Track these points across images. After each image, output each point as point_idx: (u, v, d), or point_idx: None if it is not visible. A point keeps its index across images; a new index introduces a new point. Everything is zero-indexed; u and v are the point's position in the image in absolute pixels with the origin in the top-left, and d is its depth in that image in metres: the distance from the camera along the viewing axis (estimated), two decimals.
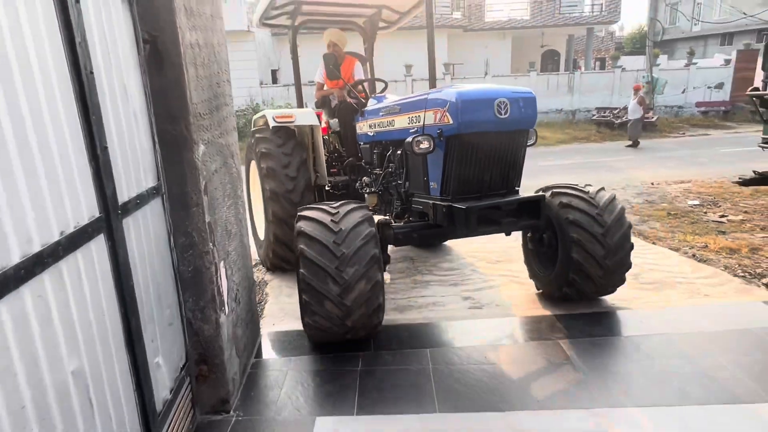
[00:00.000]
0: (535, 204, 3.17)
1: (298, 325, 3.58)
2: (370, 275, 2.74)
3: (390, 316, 3.70)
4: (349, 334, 2.91)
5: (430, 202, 3.21)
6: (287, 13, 4.64)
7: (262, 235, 4.93)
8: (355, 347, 3.12)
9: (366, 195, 4.10)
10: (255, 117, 5.09)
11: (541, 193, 3.48)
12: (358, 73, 5.21)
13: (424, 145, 2.96)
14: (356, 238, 2.76)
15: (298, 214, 3.02)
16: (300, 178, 4.16)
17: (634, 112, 14.76)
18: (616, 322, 3.52)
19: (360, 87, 4.56)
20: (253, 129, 4.89)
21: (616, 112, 17.60)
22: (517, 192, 3.31)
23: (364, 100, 4.32)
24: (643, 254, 5.11)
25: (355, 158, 4.64)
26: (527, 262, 4.00)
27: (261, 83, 19.56)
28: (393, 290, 4.24)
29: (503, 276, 4.43)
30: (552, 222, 3.44)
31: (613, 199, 3.44)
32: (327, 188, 4.70)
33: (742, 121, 19.32)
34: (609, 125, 17.09)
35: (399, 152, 3.60)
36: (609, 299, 3.79)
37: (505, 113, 2.92)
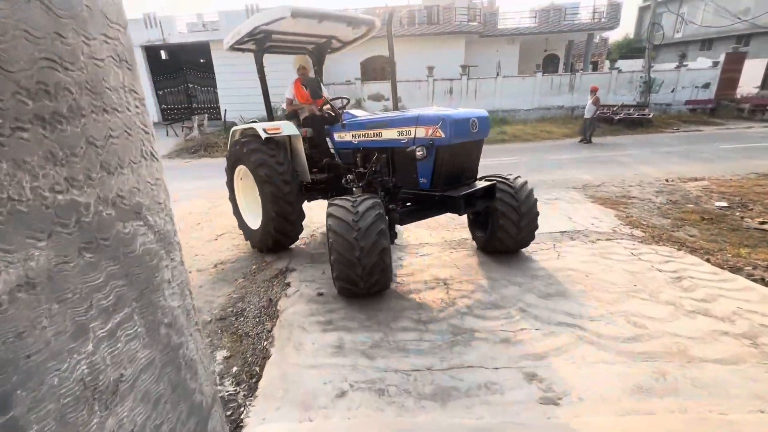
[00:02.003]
0: (492, 188, 3.44)
1: (298, 425, 1.91)
2: (379, 243, 2.82)
3: (429, 412, 1.98)
4: (367, 289, 2.98)
5: (421, 193, 3.37)
6: (256, 40, 4.12)
7: (254, 225, 4.57)
8: None
9: (354, 189, 4.02)
10: (233, 129, 4.68)
11: (492, 181, 3.56)
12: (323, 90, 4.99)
13: (421, 152, 3.10)
14: (369, 217, 2.82)
15: (329, 203, 3.08)
16: (293, 182, 4.07)
17: (589, 111, 12.17)
18: None
19: (329, 104, 4.35)
20: (236, 139, 4.51)
21: (614, 108, 14.95)
22: (475, 181, 3.52)
23: (335, 115, 4.29)
24: (709, 282, 3.21)
25: (330, 159, 4.44)
26: (470, 228, 4.23)
27: None
28: (429, 349, 2.49)
29: (564, 325, 2.63)
30: None
31: (525, 183, 3.71)
32: (305, 184, 4.46)
33: (727, 117, 16.32)
34: (608, 121, 14.51)
35: (384, 156, 3.65)
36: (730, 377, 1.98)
37: (475, 128, 3.16)
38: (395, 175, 3.61)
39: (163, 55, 19.65)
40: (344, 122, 4.02)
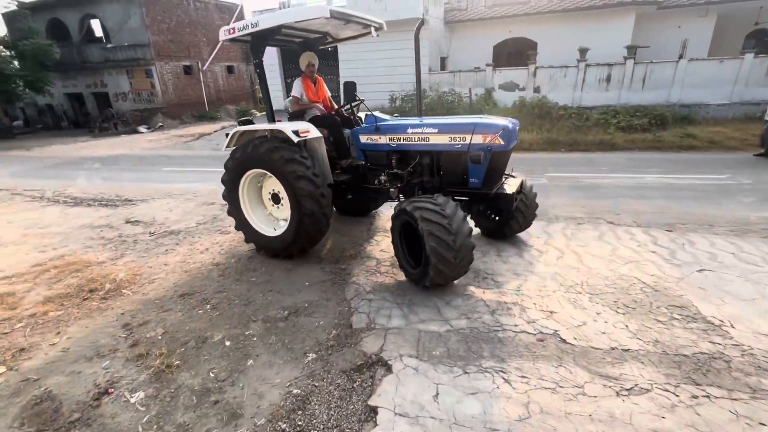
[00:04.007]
0: (522, 185, 4.04)
1: None
2: (468, 243, 3.06)
3: None
4: (456, 277, 3.28)
5: (472, 192, 3.61)
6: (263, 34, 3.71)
7: (268, 231, 4.30)
8: None
9: (391, 189, 4.02)
10: (234, 131, 4.24)
11: (521, 178, 4.14)
12: (327, 91, 4.83)
13: (482, 156, 3.36)
14: (458, 220, 3.06)
15: (415, 205, 3.17)
16: (327, 196, 3.86)
17: None
18: None
19: (350, 106, 4.40)
20: (244, 141, 4.13)
21: None
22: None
23: (349, 117, 4.45)
24: None
25: (353, 160, 4.36)
26: (475, 219, 4.52)
27: (429, 69, 15.87)
28: None
29: None
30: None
31: (532, 187, 4.24)
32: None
33: None
34: None
35: (428, 158, 3.87)
36: None
37: (516, 136, 3.58)
38: (442, 176, 3.82)
39: None
40: (378, 125, 4.01)
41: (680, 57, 13.22)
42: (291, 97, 4.51)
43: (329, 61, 18.41)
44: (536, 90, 14.26)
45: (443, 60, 17.28)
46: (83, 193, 8.01)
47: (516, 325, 2.81)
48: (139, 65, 20.18)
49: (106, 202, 7.14)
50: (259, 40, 3.88)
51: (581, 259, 3.96)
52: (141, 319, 3.35)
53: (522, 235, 4.65)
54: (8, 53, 18.72)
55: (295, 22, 3.51)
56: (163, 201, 7.06)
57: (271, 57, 19.02)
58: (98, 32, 22.94)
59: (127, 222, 5.96)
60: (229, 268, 4.27)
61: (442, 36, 16.69)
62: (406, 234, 3.44)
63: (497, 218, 4.38)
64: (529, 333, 2.70)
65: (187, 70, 21.86)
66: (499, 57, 16.86)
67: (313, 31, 4.39)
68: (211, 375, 2.64)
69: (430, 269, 3.08)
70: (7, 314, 3.55)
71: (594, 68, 13.65)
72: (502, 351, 2.53)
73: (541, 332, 2.69)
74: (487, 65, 14.88)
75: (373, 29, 4.11)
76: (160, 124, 19.84)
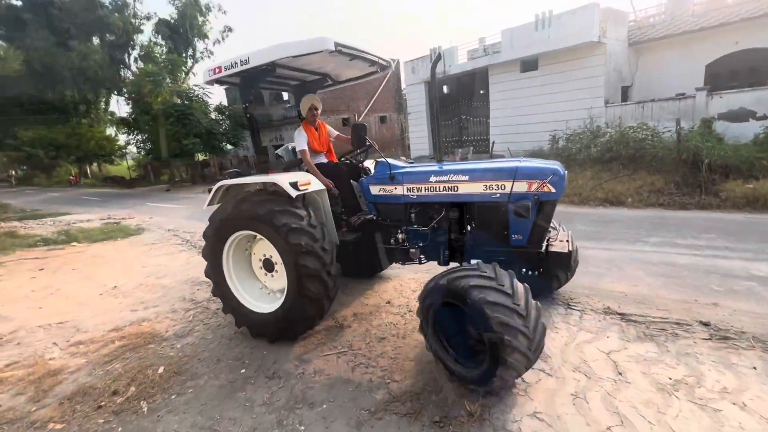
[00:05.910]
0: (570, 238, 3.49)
1: None
2: (542, 325, 2.39)
3: None
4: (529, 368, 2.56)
5: (514, 250, 3.05)
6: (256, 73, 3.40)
7: (258, 307, 3.52)
8: None
9: (411, 249, 3.50)
10: (219, 185, 3.59)
11: (567, 232, 3.66)
12: (332, 133, 4.20)
13: (528, 208, 2.82)
14: (523, 296, 2.38)
15: (469, 283, 2.38)
16: (330, 251, 3.25)
17: None
18: None
19: (358, 153, 4.07)
20: (231, 197, 3.56)
21: None
22: None
23: (355, 164, 4.04)
24: None
25: (363, 214, 3.73)
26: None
27: (606, 102, 12.67)
28: None
29: None
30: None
31: (576, 249, 3.75)
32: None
33: None
34: None
35: (456, 211, 3.31)
36: None
37: (566, 181, 3.00)
38: (474, 232, 3.27)
39: (445, 89, 19.57)
40: (393, 173, 3.51)
41: None
42: (299, 151, 3.75)
43: (476, 102, 16.99)
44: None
45: (625, 90, 13.75)
46: None
47: None
48: None
49: None
50: (249, 81, 3.48)
51: None
52: None
53: None
54: (220, 117, 23.78)
55: (293, 57, 3.05)
56: None
57: (418, 102, 18.81)
58: (286, 96, 27.43)
59: None
60: (284, 387, 2.83)
61: (623, 61, 13.33)
62: (440, 318, 2.69)
63: (534, 274, 3.58)
64: None
65: (345, 122, 23.74)
66: (716, 77, 12.38)
67: (311, 72, 3.97)
68: None
69: (501, 369, 2.29)
70: (24, 410, 2.82)
71: None
72: None
73: None
74: (698, 89, 10.87)
75: (379, 68, 3.77)
76: None
